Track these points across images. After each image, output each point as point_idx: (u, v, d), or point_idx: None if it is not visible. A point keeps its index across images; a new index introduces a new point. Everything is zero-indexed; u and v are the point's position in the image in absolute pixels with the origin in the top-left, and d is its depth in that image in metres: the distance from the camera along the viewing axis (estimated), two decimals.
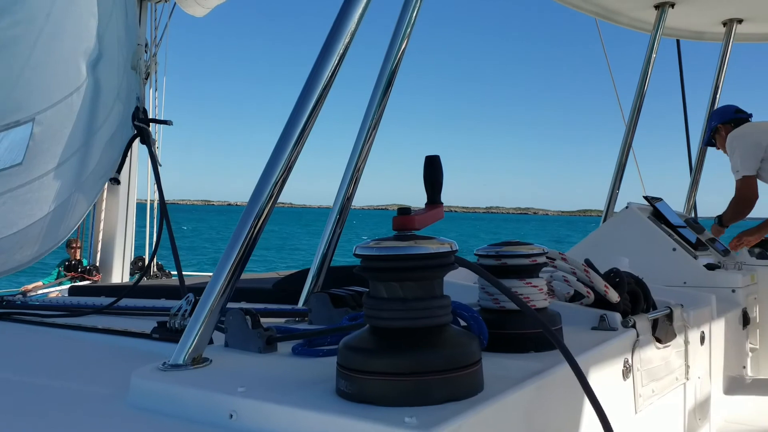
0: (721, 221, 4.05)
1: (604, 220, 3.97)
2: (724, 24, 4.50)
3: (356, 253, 1.02)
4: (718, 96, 4.67)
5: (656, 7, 4.17)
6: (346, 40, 1.48)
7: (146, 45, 5.48)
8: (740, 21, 4.43)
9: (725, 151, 4.24)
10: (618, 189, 4.29)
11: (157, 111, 6.56)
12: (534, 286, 1.36)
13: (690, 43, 5.00)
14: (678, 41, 5.51)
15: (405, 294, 1.00)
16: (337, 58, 1.45)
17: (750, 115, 4.25)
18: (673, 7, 4.15)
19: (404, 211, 1.07)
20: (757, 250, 3.58)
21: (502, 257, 1.37)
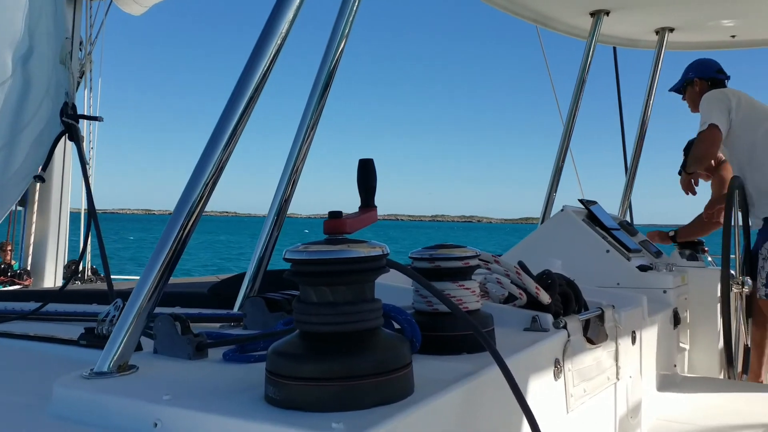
0: (685, 167, 4.03)
1: (542, 223, 4.05)
2: (657, 32, 4.65)
3: (285, 257, 1.01)
4: (651, 101, 4.81)
5: (592, 14, 4.27)
6: (279, 40, 1.46)
7: (81, 43, 5.32)
8: (672, 30, 4.58)
9: (691, 104, 4.24)
10: (555, 192, 4.38)
11: (91, 111, 6.38)
12: (467, 289, 1.37)
13: (629, 50, 5.14)
14: (614, 48, 5.66)
15: (335, 298, 0.99)
16: (270, 57, 1.43)
17: (728, 77, 4.27)
18: (608, 15, 4.26)
19: (335, 215, 1.06)
20: (687, 252, 3.71)
21: (436, 260, 1.38)
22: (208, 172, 1.33)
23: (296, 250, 0.99)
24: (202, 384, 1.13)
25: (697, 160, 3.97)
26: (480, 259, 1.58)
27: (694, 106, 4.23)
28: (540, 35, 6.84)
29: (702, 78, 4.27)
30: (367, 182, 1.26)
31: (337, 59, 2.10)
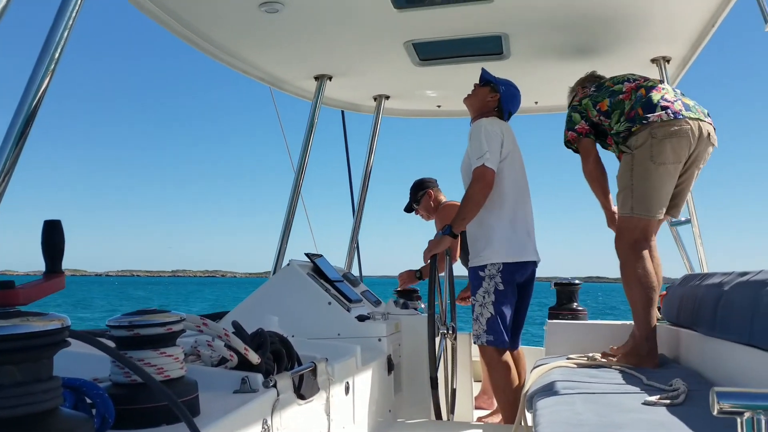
0: (452, 230, 3.44)
1: (273, 275, 4.08)
2: (375, 99, 5.06)
3: None
4: (371, 161, 5.19)
5: (316, 78, 4.52)
6: None
7: None
8: (387, 97, 5.03)
9: (472, 102, 3.71)
10: (286, 244, 4.47)
11: None
12: (169, 356, 1.33)
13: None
14: (342, 111, 6.01)
15: (1, 380, 0.89)
16: None
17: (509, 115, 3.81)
18: (331, 80, 4.54)
19: (5, 285, 0.96)
20: (401, 301, 3.99)
21: (135, 327, 1.32)
22: None
23: None
24: None
25: (471, 211, 3.46)
26: (186, 323, 1.55)
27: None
28: (273, 95, 7.00)
29: (495, 94, 3.73)
30: (54, 245, 1.17)
31: (53, 69, 1.89)
